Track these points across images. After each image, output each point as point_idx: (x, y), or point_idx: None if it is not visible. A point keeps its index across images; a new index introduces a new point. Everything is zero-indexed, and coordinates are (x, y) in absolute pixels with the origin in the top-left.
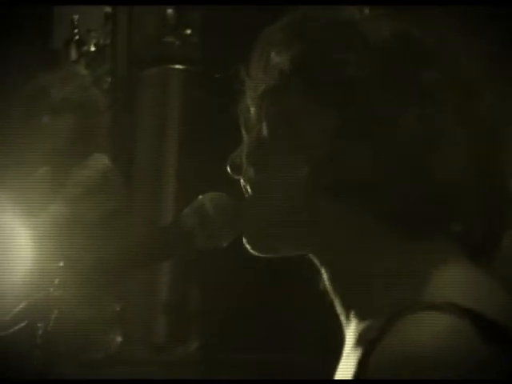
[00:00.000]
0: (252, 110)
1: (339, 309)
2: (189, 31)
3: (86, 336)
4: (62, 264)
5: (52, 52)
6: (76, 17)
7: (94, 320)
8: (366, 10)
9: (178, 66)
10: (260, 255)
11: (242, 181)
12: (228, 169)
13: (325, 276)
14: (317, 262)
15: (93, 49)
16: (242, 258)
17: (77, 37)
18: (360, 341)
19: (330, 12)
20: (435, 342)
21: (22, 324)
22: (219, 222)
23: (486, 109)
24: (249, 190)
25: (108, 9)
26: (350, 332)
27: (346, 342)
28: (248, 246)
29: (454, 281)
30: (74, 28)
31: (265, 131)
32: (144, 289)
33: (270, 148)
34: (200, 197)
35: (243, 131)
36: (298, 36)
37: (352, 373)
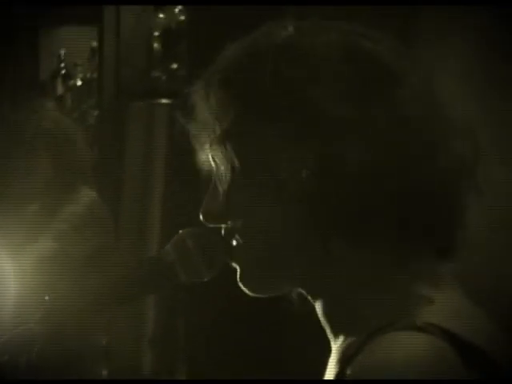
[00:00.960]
0: (213, 154)
1: (329, 334)
2: (175, 65)
3: (72, 369)
4: (47, 298)
5: (39, 85)
6: (63, 51)
7: (79, 354)
8: (290, 28)
9: (164, 101)
10: (257, 296)
11: (223, 227)
12: (202, 218)
13: (317, 307)
14: (307, 294)
15: (79, 83)
16: (227, 289)
17: (63, 71)
18: (339, 357)
19: (276, 36)
20: (410, 360)
21: (4, 358)
22: (199, 258)
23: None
24: (235, 236)
25: (95, 43)
26: (335, 350)
27: (330, 360)
28: (246, 290)
29: (440, 302)
30: (61, 62)
31: (235, 173)
32: (130, 322)
33: (244, 190)
34: (180, 232)
35: (214, 178)
36: (241, 71)
37: None
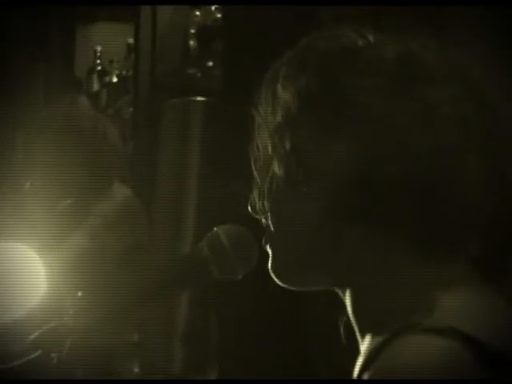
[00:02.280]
0: (264, 148)
1: (358, 335)
2: (211, 63)
3: (103, 365)
4: (80, 294)
5: (74, 82)
6: (99, 47)
7: (111, 350)
8: (370, 37)
9: (199, 98)
10: (289, 287)
11: (263, 219)
12: (249, 209)
13: (347, 305)
14: (340, 292)
15: (115, 80)
16: (260, 286)
17: (99, 67)
18: (362, 360)
19: (332, 41)
20: (428, 364)
21: (36, 353)
22: (233, 255)
23: (498, 126)
24: (270, 226)
25: (130, 40)
26: (363, 351)
27: (358, 362)
28: (277, 280)
29: (460, 305)
30: (97, 59)
31: (277, 168)
32: (162, 319)
33: (283, 184)
34: (215, 229)
35: (255, 171)
36: (301, 68)
37: None
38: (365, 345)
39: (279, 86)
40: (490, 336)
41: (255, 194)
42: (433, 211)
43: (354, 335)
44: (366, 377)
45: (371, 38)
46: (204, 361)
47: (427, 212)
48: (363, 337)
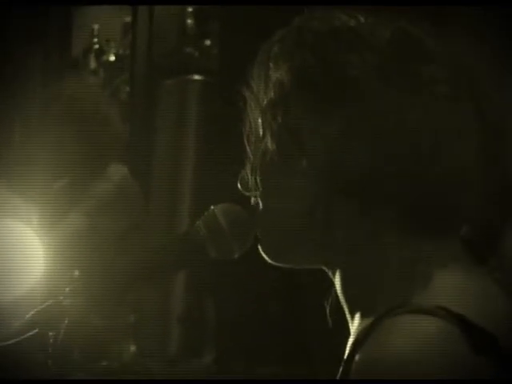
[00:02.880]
0: (256, 124)
1: (348, 315)
2: (208, 42)
3: (100, 345)
4: (77, 273)
5: (71, 60)
6: (96, 26)
7: (107, 330)
8: (362, 18)
9: (196, 77)
10: (278, 264)
11: (252, 198)
12: (239, 186)
13: (336, 284)
14: (329, 272)
15: (112, 59)
16: (256, 268)
17: (96, 46)
18: (352, 340)
19: (325, 21)
20: (419, 344)
21: (33, 332)
22: (230, 234)
23: (490, 107)
24: (260, 203)
25: (128, 19)
26: (353, 332)
27: (348, 344)
28: (266, 257)
29: (451, 285)
30: (94, 37)
31: (269, 144)
32: (159, 300)
33: (276, 160)
34: (212, 208)
35: (247, 147)
36: (295, 47)
37: (339, 371)
38: (355, 325)
39: (271, 65)
40: (480, 317)
41: (247, 169)
42: (425, 190)
43: (344, 315)
44: (356, 359)
45: (362, 19)
46: (201, 342)
47: (419, 191)
48: (353, 317)
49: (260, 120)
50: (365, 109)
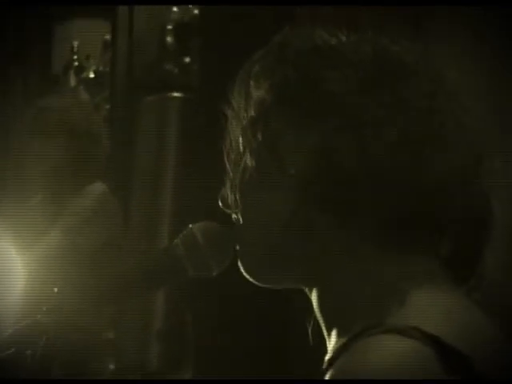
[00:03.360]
0: (236, 142)
1: (325, 332)
2: (188, 59)
3: (79, 363)
4: (56, 290)
5: (51, 77)
6: (76, 43)
7: (86, 347)
8: (343, 37)
9: (176, 94)
10: (258, 283)
11: (233, 215)
12: (219, 203)
13: (314, 302)
14: (307, 289)
15: (92, 75)
16: (235, 284)
17: (76, 63)
18: (327, 358)
19: (306, 39)
20: (391, 364)
21: (10, 351)
22: (208, 252)
23: (471, 121)
24: (240, 219)
25: (108, 36)
26: (330, 349)
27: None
28: (246, 274)
29: (427, 305)
30: (74, 54)
31: (249, 161)
32: (138, 316)
33: (255, 177)
34: (190, 226)
35: (227, 165)
36: (276, 63)
37: None
38: (331, 343)
39: (252, 83)
40: (455, 338)
41: (227, 187)
42: (404, 206)
43: (322, 334)
44: (328, 374)
45: (344, 38)
46: (180, 357)
47: (398, 206)
48: (329, 336)
49: (240, 138)
50: (345, 123)
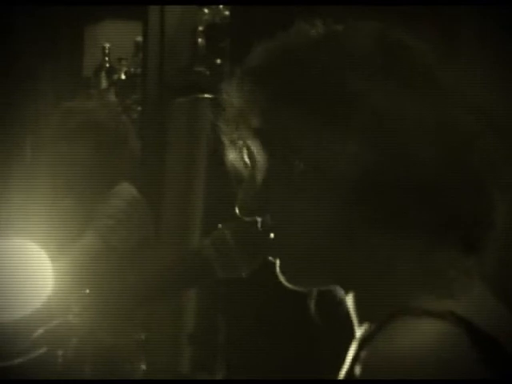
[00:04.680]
0: (248, 148)
1: (356, 327)
2: (219, 60)
3: (110, 364)
4: (87, 291)
5: (83, 79)
6: (107, 45)
7: (118, 348)
8: (339, 27)
9: (207, 95)
10: (293, 287)
11: (259, 220)
12: (237, 212)
13: (348, 302)
14: (342, 290)
15: (123, 77)
16: (267, 287)
17: (107, 65)
18: (358, 341)
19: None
20: (425, 346)
21: (41, 351)
22: (238, 253)
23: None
24: (271, 227)
25: (139, 38)
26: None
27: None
28: (283, 279)
29: (455, 291)
30: (105, 56)
31: (270, 167)
32: (170, 318)
33: (279, 183)
34: (220, 226)
35: (235, 173)
36: (274, 67)
37: (344, 370)
38: (362, 330)
39: (254, 84)
40: (487, 324)
41: (248, 193)
42: (424, 196)
43: (351, 323)
44: (362, 356)
45: (340, 28)
46: (212, 359)
47: (426, 201)
48: (361, 325)
49: (251, 145)
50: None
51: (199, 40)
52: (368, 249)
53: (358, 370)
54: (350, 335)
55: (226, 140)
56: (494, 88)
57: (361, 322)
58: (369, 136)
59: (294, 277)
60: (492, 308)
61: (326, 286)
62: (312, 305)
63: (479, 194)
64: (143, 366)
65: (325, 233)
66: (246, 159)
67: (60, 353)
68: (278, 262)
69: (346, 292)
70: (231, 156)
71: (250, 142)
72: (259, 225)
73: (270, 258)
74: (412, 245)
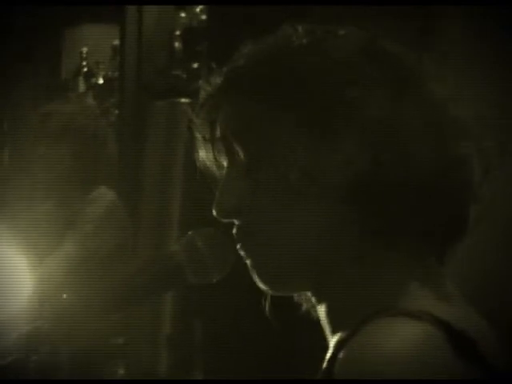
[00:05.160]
0: (227, 148)
1: (328, 334)
2: (196, 64)
3: (89, 368)
4: (65, 296)
5: (61, 82)
6: (85, 49)
7: (95, 352)
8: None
9: (184, 99)
10: (271, 293)
11: (235, 223)
12: (214, 214)
13: (320, 309)
14: (314, 299)
15: (101, 81)
16: (240, 288)
17: (85, 69)
18: (334, 343)
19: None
20: (402, 347)
21: (15, 356)
22: (209, 258)
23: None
24: (249, 229)
25: (116, 42)
26: (332, 343)
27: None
28: (262, 285)
29: (430, 292)
30: (83, 60)
31: (248, 170)
32: (147, 322)
33: (257, 187)
34: (190, 232)
35: (212, 172)
36: (256, 69)
37: (321, 371)
38: (335, 338)
39: (237, 85)
40: (466, 325)
41: (225, 195)
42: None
43: (323, 332)
44: (339, 356)
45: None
46: (190, 361)
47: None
48: (334, 333)
49: (220, 148)
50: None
51: (176, 44)
52: (353, 255)
53: (336, 369)
54: (323, 339)
55: (199, 137)
56: (493, 90)
57: (334, 332)
58: (354, 142)
59: (270, 281)
60: (465, 309)
61: (301, 291)
62: (267, 306)
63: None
64: (121, 370)
65: (302, 237)
66: (222, 159)
67: (33, 359)
68: (252, 265)
69: (319, 301)
70: (202, 154)
71: (228, 142)
72: (234, 229)
73: (246, 260)
74: (399, 251)
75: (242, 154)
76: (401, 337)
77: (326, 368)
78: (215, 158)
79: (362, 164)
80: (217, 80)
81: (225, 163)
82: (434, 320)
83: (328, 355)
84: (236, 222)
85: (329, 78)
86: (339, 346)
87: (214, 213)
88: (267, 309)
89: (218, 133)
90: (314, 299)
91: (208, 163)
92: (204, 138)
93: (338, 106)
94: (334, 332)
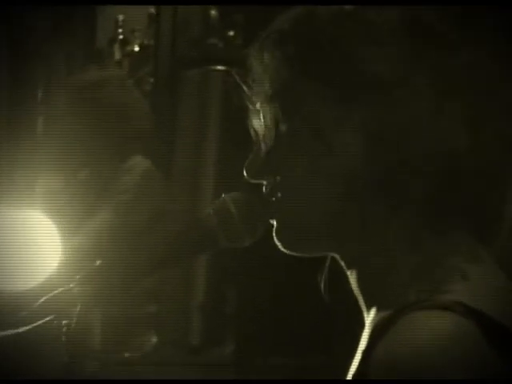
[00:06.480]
0: (263, 114)
1: (362, 306)
2: (232, 33)
3: (119, 335)
4: (98, 263)
5: (96, 51)
6: (120, 17)
7: (127, 320)
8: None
9: (220, 67)
10: (289, 252)
11: (264, 184)
12: (245, 174)
13: (351, 276)
14: (343, 263)
15: (136, 49)
16: (276, 257)
17: (121, 36)
18: (369, 333)
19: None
20: (438, 340)
21: (45, 319)
22: (241, 222)
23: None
24: (275, 192)
25: (152, 10)
26: (368, 324)
27: (364, 334)
28: (282, 248)
29: (467, 279)
30: (118, 28)
31: (281, 131)
32: (180, 290)
33: (289, 147)
34: (223, 196)
35: (255, 137)
36: (298, 33)
37: (356, 363)
38: (370, 317)
39: (274, 51)
40: (500, 313)
41: (258, 156)
42: (437, 180)
43: (358, 305)
44: (375, 353)
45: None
46: (221, 332)
47: (444, 187)
48: (368, 309)
49: (266, 109)
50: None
51: (212, 12)
52: (372, 225)
53: (372, 366)
54: (360, 317)
55: (249, 104)
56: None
57: (368, 305)
58: (376, 109)
59: (288, 241)
60: (504, 297)
61: (326, 252)
62: (322, 284)
63: (492, 185)
64: (154, 338)
65: (325, 200)
66: (262, 123)
67: (64, 322)
68: (275, 226)
69: (348, 267)
70: (251, 119)
71: (265, 106)
72: (264, 189)
73: (270, 220)
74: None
75: (277, 115)
76: (433, 331)
77: (361, 362)
78: (259, 122)
79: (378, 132)
80: (264, 45)
81: (263, 126)
82: (466, 311)
83: (363, 344)
84: (264, 182)
85: (366, 48)
86: (373, 340)
87: (245, 173)
88: (322, 285)
89: (261, 97)
90: (343, 263)
91: (256, 127)
92: (251, 104)
93: (363, 76)
94: (367, 305)
